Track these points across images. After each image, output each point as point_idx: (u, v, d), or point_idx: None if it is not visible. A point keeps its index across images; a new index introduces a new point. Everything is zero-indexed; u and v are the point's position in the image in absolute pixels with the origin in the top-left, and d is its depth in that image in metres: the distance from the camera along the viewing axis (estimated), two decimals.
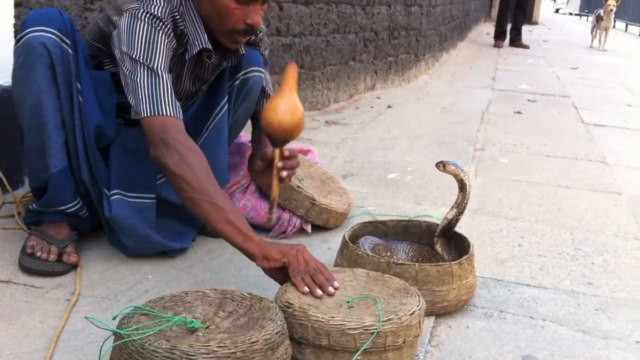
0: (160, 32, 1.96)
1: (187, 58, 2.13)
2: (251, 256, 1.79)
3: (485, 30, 15.42)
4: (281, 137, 1.96)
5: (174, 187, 1.85)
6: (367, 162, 3.69)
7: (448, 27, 9.32)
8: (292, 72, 1.95)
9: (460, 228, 2.53)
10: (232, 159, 2.57)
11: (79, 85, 2.06)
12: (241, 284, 2.08)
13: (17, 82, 2.02)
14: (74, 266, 2.07)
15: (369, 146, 4.07)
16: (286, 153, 2.02)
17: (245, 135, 2.75)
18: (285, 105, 1.91)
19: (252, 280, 2.10)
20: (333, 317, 1.59)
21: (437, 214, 2.75)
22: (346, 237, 2.10)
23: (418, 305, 1.68)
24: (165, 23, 1.98)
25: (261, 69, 2.32)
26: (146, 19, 1.95)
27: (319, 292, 1.72)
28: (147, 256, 2.19)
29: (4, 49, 2.46)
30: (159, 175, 2.21)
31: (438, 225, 2.21)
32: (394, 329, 1.59)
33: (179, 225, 2.29)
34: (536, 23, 20.25)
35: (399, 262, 1.96)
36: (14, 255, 2.10)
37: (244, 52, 2.23)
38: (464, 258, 2.00)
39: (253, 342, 1.39)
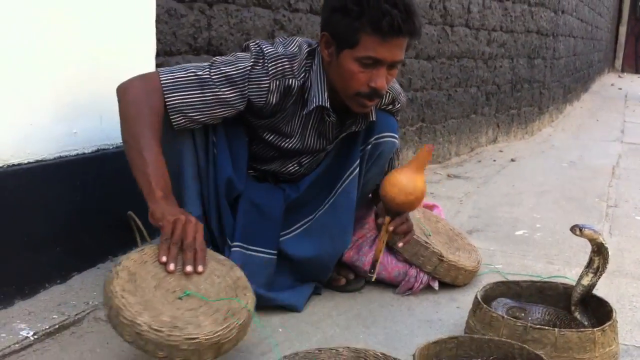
0: (249, 61, 2.03)
1: (304, 113, 2.16)
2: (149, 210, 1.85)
3: (609, 81, 14.92)
4: (393, 210, 2.09)
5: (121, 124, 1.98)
6: (492, 217, 3.59)
7: (571, 79, 9.07)
8: (424, 153, 2.04)
9: (597, 291, 2.40)
10: (358, 211, 2.57)
11: (214, 138, 2.14)
12: (370, 342, 2.05)
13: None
14: None
15: (494, 201, 3.97)
16: (392, 226, 2.13)
17: None
18: (404, 183, 2.03)
19: (382, 338, 2.07)
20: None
21: (572, 275, 2.62)
22: (479, 297, 2.03)
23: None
24: (266, 60, 2.04)
25: (394, 134, 2.30)
26: (253, 49, 2.06)
27: (172, 266, 1.74)
28: (276, 309, 2.20)
29: None
30: (283, 232, 2.24)
31: (575, 287, 2.11)
32: None
33: (294, 282, 2.30)
34: None
35: (537, 326, 1.87)
36: None
37: (374, 119, 2.21)
38: (607, 324, 1.89)
39: None
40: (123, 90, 2.00)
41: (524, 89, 6.47)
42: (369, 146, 2.27)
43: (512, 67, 6.11)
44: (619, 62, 19.93)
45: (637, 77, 17.36)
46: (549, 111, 7.46)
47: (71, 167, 2.29)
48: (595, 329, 1.86)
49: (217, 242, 2.21)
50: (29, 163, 2.12)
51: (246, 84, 2.03)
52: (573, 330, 1.86)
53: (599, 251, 2.03)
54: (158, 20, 2.61)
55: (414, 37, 2.01)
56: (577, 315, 2.07)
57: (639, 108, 10.18)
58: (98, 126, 2.41)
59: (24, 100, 2.09)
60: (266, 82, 2.04)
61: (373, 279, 2.16)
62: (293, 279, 2.29)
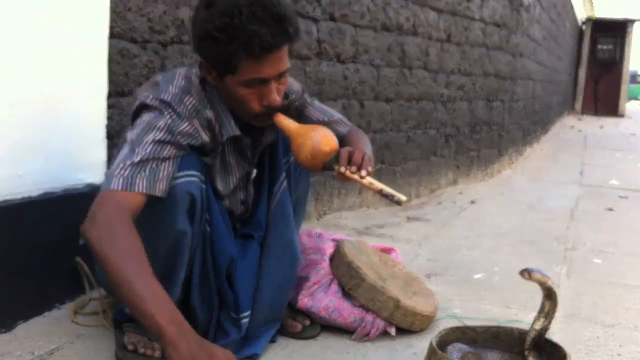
0: (162, 118, 1.90)
1: (221, 141, 2.07)
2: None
3: (569, 123, 15.23)
4: (320, 164, 1.99)
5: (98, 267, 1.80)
6: (451, 260, 3.57)
7: (530, 121, 9.22)
8: (279, 119, 2.02)
9: (554, 335, 2.39)
10: (313, 255, 2.53)
11: (207, 215, 2.05)
12: None
13: (148, 223, 1.88)
14: None
15: (453, 243, 3.96)
16: (342, 168, 1.93)
17: (327, 231, 2.72)
18: (298, 145, 1.98)
19: None
20: None
21: (528, 319, 2.58)
22: (433, 343, 2.00)
23: None
24: (173, 107, 1.92)
25: None
26: (154, 105, 1.92)
27: None
28: None
29: (97, 147, 2.55)
30: None
31: (528, 332, 2.08)
32: None
33: (257, 327, 2.24)
34: (622, 115, 19.86)
35: None
36: (100, 354, 2.10)
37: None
38: None
39: None
40: (84, 232, 1.77)
41: (483, 131, 6.55)
42: (292, 157, 2.19)
43: (470, 110, 6.18)
44: (578, 105, 20.40)
45: (596, 119, 17.73)
46: (508, 153, 7.55)
47: (16, 210, 2.22)
48: None
49: (197, 315, 2.12)
50: None
51: (176, 136, 1.90)
52: None
53: (549, 295, 2.02)
54: (110, 60, 2.58)
55: (293, 42, 1.93)
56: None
57: (598, 150, 10.36)
58: (44, 168, 2.35)
59: None
60: (187, 125, 1.93)
61: (404, 199, 1.94)
62: (256, 325, 2.23)
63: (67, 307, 2.41)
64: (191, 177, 1.95)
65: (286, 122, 2.04)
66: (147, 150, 1.86)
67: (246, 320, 2.15)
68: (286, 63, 1.95)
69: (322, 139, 1.98)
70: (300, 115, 2.30)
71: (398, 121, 4.93)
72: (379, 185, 1.95)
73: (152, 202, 1.87)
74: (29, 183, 2.29)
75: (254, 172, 2.26)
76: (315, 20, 3.90)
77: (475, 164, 6.45)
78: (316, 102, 2.39)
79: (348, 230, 3.97)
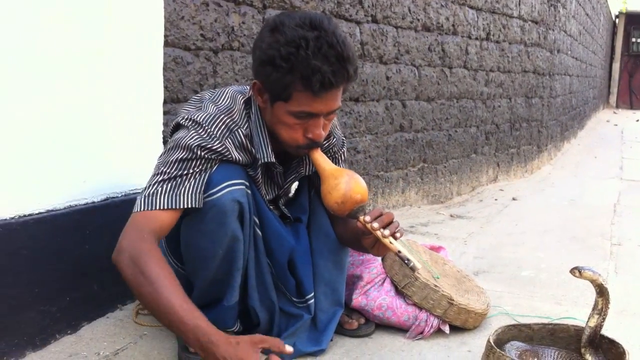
0: (189, 137, 1.92)
1: (257, 167, 2.09)
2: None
3: (605, 117, 15.04)
4: (347, 211, 1.98)
5: (135, 295, 1.86)
6: (497, 258, 3.59)
7: (568, 117, 9.15)
8: (315, 155, 2.03)
9: (607, 331, 2.40)
10: (365, 255, 2.57)
11: (256, 219, 2.08)
12: None
13: (202, 233, 1.97)
14: None
15: (498, 241, 3.97)
16: (367, 218, 1.96)
17: None
18: (330, 187, 1.98)
19: None
20: None
21: (580, 315, 2.61)
22: (491, 341, 2.03)
23: None
24: (205, 127, 1.94)
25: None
26: (185, 125, 1.95)
27: None
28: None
29: (154, 153, 2.62)
30: None
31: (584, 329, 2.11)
32: None
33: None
34: None
35: None
36: (163, 353, 2.17)
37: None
38: None
39: None
40: (114, 261, 1.88)
41: (523, 127, 6.53)
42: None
43: (510, 107, 6.17)
44: (613, 98, 20.14)
45: (631, 113, 17.48)
46: (547, 149, 7.51)
47: (80, 216, 2.30)
48: None
49: (258, 314, 2.17)
50: (39, 213, 2.12)
51: (203, 153, 1.93)
52: None
53: (601, 292, 2.04)
54: (165, 68, 2.65)
55: (350, 83, 1.95)
56: (589, 357, 2.06)
57: (636, 144, 10.24)
58: (106, 174, 2.42)
59: (34, 149, 2.10)
60: (217, 144, 1.95)
61: (419, 266, 1.97)
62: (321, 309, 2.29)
63: (129, 307, 2.48)
64: (237, 186, 1.98)
65: (322, 160, 2.05)
66: (172, 169, 1.90)
67: (312, 301, 2.19)
68: (339, 102, 1.96)
69: (355, 187, 1.97)
70: (332, 161, 2.28)
71: (439, 120, 4.95)
72: (397, 246, 1.95)
73: (203, 214, 1.93)
74: (92, 189, 2.36)
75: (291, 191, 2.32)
76: (357, 22, 3.95)
77: (515, 160, 6.44)
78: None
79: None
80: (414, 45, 4.53)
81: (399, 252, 1.94)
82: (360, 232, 2.04)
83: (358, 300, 2.46)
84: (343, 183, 1.96)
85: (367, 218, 1.96)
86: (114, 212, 2.41)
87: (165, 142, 2.65)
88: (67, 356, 2.09)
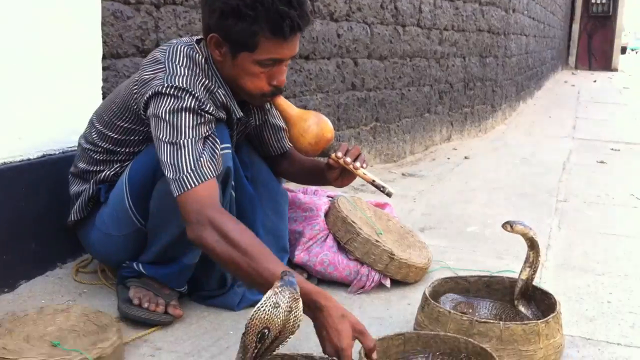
0: (184, 102, 1.89)
1: (233, 123, 2.13)
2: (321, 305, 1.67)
3: (563, 78, 15.20)
4: (320, 150, 2.07)
5: (223, 267, 1.90)
6: (445, 215, 3.63)
7: (524, 77, 9.22)
8: (279, 102, 2.07)
9: (545, 284, 2.46)
10: (307, 212, 2.58)
11: (232, 182, 2.09)
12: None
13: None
14: (176, 319, 2.12)
15: (447, 199, 4.02)
16: (339, 153, 2.07)
17: (320, 188, 2.76)
18: (301, 130, 2.04)
19: None
20: None
21: (520, 269, 2.66)
22: (427, 293, 2.06)
23: None
24: (191, 92, 1.92)
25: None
26: (170, 92, 1.91)
27: None
28: (228, 312, 2.21)
29: (93, 109, 2.57)
30: None
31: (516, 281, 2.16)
32: None
33: None
34: (615, 70, 19.81)
35: (483, 320, 1.90)
36: (102, 310, 2.15)
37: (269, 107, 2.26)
38: (550, 316, 1.93)
39: None
40: (196, 240, 1.80)
41: (477, 87, 6.56)
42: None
43: (464, 66, 6.19)
44: (572, 60, 20.31)
45: (590, 74, 17.70)
46: (502, 109, 7.58)
47: (15, 173, 2.26)
48: (539, 321, 1.90)
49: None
50: None
51: (205, 114, 1.92)
52: (517, 322, 1.90)
53: (532, 245, 2.09)
54: (104, 23, 2.59)
55: (308, 27, 2.02)
56: (521, 308, 2.11)
57: (591, 105, 10.39)
58: (42, 131, 2.38)
59: None
60: (209, 106, 1.95)
61: (393, 192, 2.14)
62: None
63: (69, 266, 2.46)
64: (226, 150, 2.00)
65: (286, 106, 2.09)
66: (192, 135, 1.86)
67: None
68: (298, 47, 2.01)
69: (325, 126, 2.06)
70: None
71: (392, 79, 4.94)
72: (371, 176, 2.07)
73: None
74: (28, 146, 2.32)
75: None
76: None
77: (469, 120, 6.48)
78: None
79: (345, 187, 4.00)
80: (365, 3, 4.49)
81: (374, 180, 2.07)
82: (325, 167, 2.15)
83: (300, 256, 2.47)
84: (314, 125, 2.04)
85: (339, 154, 2.06)
86: (50, 169, 2.38)
87: (104, 97, 2.60)
88: (4, 314, 2.07)
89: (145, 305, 2.08)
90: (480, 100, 6.70)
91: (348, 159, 2.06)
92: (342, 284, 2.48)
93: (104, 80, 2.61)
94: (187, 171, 1.82)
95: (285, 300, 1.39)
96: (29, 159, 2.31)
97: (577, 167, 5.30)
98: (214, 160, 1.89)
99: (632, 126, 8.03)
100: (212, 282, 2.21)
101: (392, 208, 2.99)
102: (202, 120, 1.91)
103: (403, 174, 4.67)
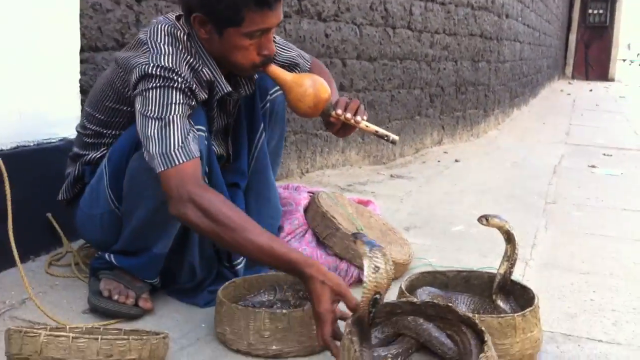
0: (173, 82, 1.89)
1: (213, 102, 2.11)
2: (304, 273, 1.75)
3: (559, 87, 15.20)
4: (320, 111, 2.06)
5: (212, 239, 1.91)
6: (431, 215, 3.60)
7: (518, 83, 9.20)
8: (272, 69, 2.07)
9: (528, 282, 2.42)
10: (286, 207, 2.55)
11: (206, 168, 2.05)
12: None
13: (148, 170, 1.89)
14: (146, 312, 2.09)
15: (434, 199, 3.98)
16: (339, 111, 2.05)
17: (302, 185, 2.74)
18: (299, 95, 2.04)
19: None
20: None
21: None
22: (403, 287, 2.02)
23: None
24: (178, 72, 1.91)
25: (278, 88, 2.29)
26: (157, 73, 1.89)
27: None
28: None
29: (71, 102, 2.54)
30: None
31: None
32: None
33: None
34: (612, 80, 19.83)
35: None
36: (72, 302, 2.12)
37: (256, 76, 2.23)
38: (527, 310, 1.89)
39: None
40: (179, 214, 1.82)
41: (469, 91, 6.53)
42: (268, 104, 2.31)
43: (456, 70, 6.16)
44: (569, 69, 20.32)
45: (586, 84, 17.70)
46: (494, 114, 7.55)
47: None
48: (515, 315, 1.86)
49: (197, 272, 2.19)
50: None
51: (190, 96, 1.93)
52: (494, 316, 1.86)
53: (509, 239, 2.07)
54: (82, 15, 2.56)
55: None
56: (500, 302, 2.07)
57: (586, 112, 10.37)
58: (18, 123, 2.34)
59: None
60: (195, 86, 1.96)
61: (397, 138, 2.14)
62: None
63: (42, 259, 2.42)
64: (199, 132, 1.98)
65: (279, 72, 2.09)
66: (179, 115, 1.86)
67: (241, 266, 2.22)
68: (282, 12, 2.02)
69: (321, 87, 2.06)
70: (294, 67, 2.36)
71: (382, 80, 4.91)
72: (373, 127, 2.09)
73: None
74: (3, 137, 2.28)
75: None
76: None
77: (461, 124, 6.45)
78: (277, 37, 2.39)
79: (331, 187, 3.98)
80: (354, 3, 4.46)
81: (377, 131, 2.08)
82: (326, 125, 2.15)
83: None
84: (310, 88, 2.04)
85: (339, 111, 2.05)
86: (24, 162, 2.34)
87: (83, 91, 2.57)
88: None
89: (115, 297, 2.05)
90: (472, 105, 6.67)
91: (349, 115, 2.05)
92: None
93: (82, 73, 2.58)
94: (176, 147, 1.82)
95: (381, 261, 1.56)
96: (1, 150, 2.28)
97: (568, 170, 5.27)
98: (196, 140, 1.90)
99: (625, 133, 8.01)
100: (183, 275, 2.17)
101: (375, 205, 2.96)
102: (188, 101, 1.92)
103: (392, 176, 4.63)
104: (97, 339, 1.51)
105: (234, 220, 1.77)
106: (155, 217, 1.99)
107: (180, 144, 1.82)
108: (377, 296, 1.55)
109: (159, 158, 1.82)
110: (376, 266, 1.54)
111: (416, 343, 1.86)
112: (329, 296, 1.72)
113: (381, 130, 2.09)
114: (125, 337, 1.57)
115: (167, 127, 1.84)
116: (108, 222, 2.12)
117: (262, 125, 2.32)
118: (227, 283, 2.07)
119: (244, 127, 2.30)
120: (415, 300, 1.87)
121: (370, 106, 4.80)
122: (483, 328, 1.69)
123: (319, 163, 4.31)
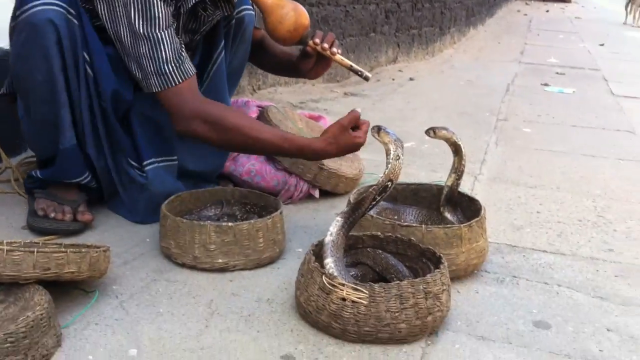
0: None
1: (182, 12, 2.02)
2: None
3: (516, 7, 15.12)
4: (299, 37, 2.06)
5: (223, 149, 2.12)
6: None
7: (475, 2, 9.11)
8: None
9: (477, 195, 2.43)
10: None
11: (86, 55, 1.95)
12: None
13: (21, 58, 1.88)
14: (87, 225, 2.04)
15: (387, 116, 3.95)
16: (317, 39, 2.09)
17: (251, 99, 2.67)
18: (279, 17, 2.02)
19: None
20: None
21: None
22: (351, 199, 2.01)
23: None
24: None
25: (251, 7, 2.24)
26: None
27: None
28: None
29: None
30: None
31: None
32: None
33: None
34: (569, 1, 19.82)
35: (405, 224, 1.86)
36: (11, 219, 2.06)
37: None
38: (473, 220, 1.90)
39: None
40: (189, 131, 1.92)
41: (425, 8, 6.44)
42: (233, 21, 2.22)
43: None
44: None
45: (543, 4, 17.66)
46: (450, 33, 7.48)
47: None
48: (462, 225, 1.87)
49: (94, 164, 2.08)
50: None
51: (170, 2, 1.90)
52: (440, 226, 1.86)
53: (456, 151, 2.07)
54: None
55: None
56: (447, 214, 2.08)
57: (541, 32, 10.37)
58: None
59: None
60: None
61: (370, 76, 2.18)
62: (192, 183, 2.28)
63: None
64: (51, 6, 1.83)
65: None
66: (166, 30, 1.86)
67: (149, 167, 2.11)
68: None
69: (303, 13, 2.05)
70: None
71: None
72: (348, 62, 2.10)
73: (19, 34, 1.84)
74: None
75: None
76: None
77: (417, 42, 6.38)
78: None
79: (283, 104, 3.90)
80: None
81: (351, 65, 2.10)
82: (299, 57, 2.19)
83: (226, 165, 2.39)
84: (291, 11, 2.04)
85: (317, 40, 2.09)
86: None
87: None
88: None
89: (52, 215, 1.99)
90: (428, 22, 6.58)
91: (325, 45, 2.08)
92: (269, 194, 2.41)
93: None
94: (170, 66, 1.87)
95: (401, 152, 1.71)
96: None
97: (521, 89, 5.28)
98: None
99: (579, 52, 8.05)
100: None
101: (326, 121, 2.91)
102: (170, 10, 1.89)
103: (345, 93, 4.58)
104: (33, 251, 1.45)
105: (241, 124, 1.90)
106: (44, 111, 1.93)
107: (174, 62, 1.87)
108: (389, 184, 1.66)
109: (154, 78, 1.85)
110: (398, 155, 1.68)
111: (373, 272, 1.84)
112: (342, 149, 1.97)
113: (355, 66, 2.10)
114: (64, 249, 1.52)
115: (158, 45, 1.86)
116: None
117: (223, 42, 2.21)
118: (172, 197, 2.02)
119: (200, 40, 2.21)
120: (379, 234, 1.84)
121: (324, 22, 4.68)
122: (441, 255, 1.68)
123: (271, 80, 4.22)
